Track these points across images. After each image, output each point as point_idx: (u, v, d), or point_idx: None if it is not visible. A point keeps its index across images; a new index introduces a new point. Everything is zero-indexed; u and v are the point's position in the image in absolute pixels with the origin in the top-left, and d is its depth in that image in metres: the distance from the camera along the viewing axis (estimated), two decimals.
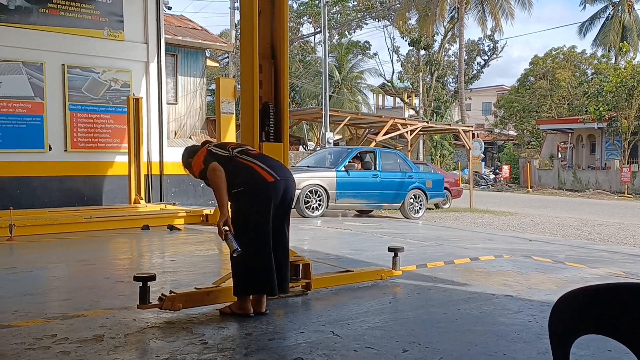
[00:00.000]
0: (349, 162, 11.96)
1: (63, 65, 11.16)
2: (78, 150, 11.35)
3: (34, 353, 3.04)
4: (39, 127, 10.89)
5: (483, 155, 35.15)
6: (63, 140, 11.20)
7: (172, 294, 3.77)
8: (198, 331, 3.48)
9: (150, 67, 12.24)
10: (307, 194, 11.15)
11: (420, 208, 12.70)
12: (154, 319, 3.74)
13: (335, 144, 29.32)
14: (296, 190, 10.04)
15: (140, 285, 3.67)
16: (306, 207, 11.11)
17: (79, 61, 11.34)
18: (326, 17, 22.09)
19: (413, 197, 12.60)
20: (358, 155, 12.44)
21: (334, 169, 11.83)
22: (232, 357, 3.04)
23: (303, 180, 11.00)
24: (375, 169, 12.30)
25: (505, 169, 31.63)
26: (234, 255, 3.58)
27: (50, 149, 11.01)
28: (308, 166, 12.83)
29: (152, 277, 3.71)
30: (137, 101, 11.32)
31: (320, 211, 11.26)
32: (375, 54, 43.04)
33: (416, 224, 11.46)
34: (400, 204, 12.44)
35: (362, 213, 13.20)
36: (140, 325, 3.62)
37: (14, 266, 5.81)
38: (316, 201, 11.26)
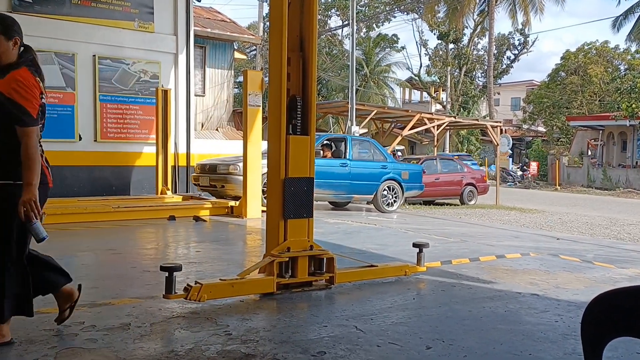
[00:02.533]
0: (315, 148, 11.27)
1: (94, 56, 11.34)
2: (107, 140, 11.54)
3: (61, 340, 3.10)
4: (70, 117, 11.10)
5: (511, 152, 34.65)
6: (93, 131, 11.40)
7: (198, 285, 3.80)
8: (222, 322, 3.51)
9: (179, 58, 12.36)
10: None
11: (395, 201, 11.88)
12: (179, 309, 3.78)
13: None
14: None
15: (167, 275, 3.72)
16: (265, 197, 10.19)
17: (109, 52, 11.51)
18: (354, 10, 21.96)
19: (387, 188, 11.78)
20: (328, 142, 11.55)
21: None
22: (255, 348, 3.05)
23: (262, 167, 9.70)
24: (345, 157, 11.39)
25: (533, 165, 31.18)
26: (37, 243, 3.10)
27: (80, 138, 11.21)
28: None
29: (178, 268, 3.75)
30: (165, 92, 11.44)
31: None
32: (403, 48, 42.63)
33: (439, 219, 11.35)
34: (373, 196, 11.63)
35: (336, 206, 12.38)
36: (165, 314, 3.67)
37: (44, 254, 5.92)
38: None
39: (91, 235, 7.44)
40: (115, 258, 5.97)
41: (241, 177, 9.63)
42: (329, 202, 12.31)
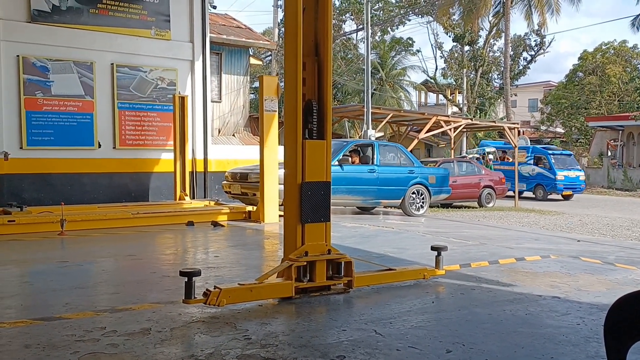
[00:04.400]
0: (344, 155, 11.15)
1: (112, 64, 11.48)
2: (126, 147, 11.66)
3: (83, 345, 3.13)
4: (89, 125, 11.24)
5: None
6: (112, 138, 11.54)
7: (217, 290, 3.82)
8: (242, 327, 3.52)
9: (195, 65, 12.47)
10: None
11: (422, 205, 12.02)
12: (198, 314, 3.81)
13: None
14: (282, 186, 9.91)
15: (186, 280, 3.74)
16: None
17: (127, 60, 11.65)
18: (369, 14, 21.97)
19: (414, 193, 11.93)
20: (356, 148, 11.70)
21: None
22: (275, 353, 3.06)
23: None
24: (373, 163, 11.56)
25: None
26: None
27: (99, 146, 11.35)
28: None
29: (197, 273, 3.77)
30: (182, 99, 11.55)
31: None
32: (418, 51, 42.49)
33: (457, 222, 11.28)
34: (400, 201, 11.76)
35: (363, 210, 12.54)
36: (185, 319, 3.69)
37: (65, 260, 6.02)
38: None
39: (111, 241, 7.51)
40: (135, 264, 6.03)
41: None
42: (357, 207, 12.46)
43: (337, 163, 10.94)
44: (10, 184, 10.45)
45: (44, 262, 5.99)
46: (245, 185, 10.36)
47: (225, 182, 11.06)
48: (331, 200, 12.16)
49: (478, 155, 22.01)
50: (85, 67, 11.21)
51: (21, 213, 8.46)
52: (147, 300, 4.16)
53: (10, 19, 10.47)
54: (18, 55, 10.54)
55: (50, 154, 10.84)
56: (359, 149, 11.76)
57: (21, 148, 10.59)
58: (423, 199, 12.05)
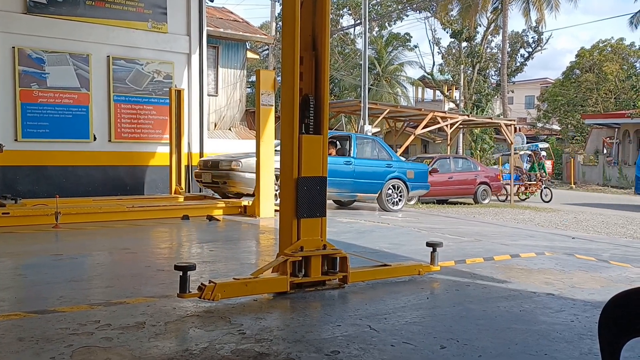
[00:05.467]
0: None
1: (108, 56, 11.43)
2: (121, 140, 11.62)
3: (77, 338, 3.12)
4: (85, 118, 11.19)
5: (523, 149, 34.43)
6: (107, 131, 11.49)
7: (211, 284, 3.82)
8: (236, 321, 3.52)
9: (192, 59, 12.43)
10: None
11: (399, 200, 11.72)
12: (193, 308, 3.80)
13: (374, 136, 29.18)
14: (254, 175, 9.65)
15: (181, 274, 3.73)
16: None
17: (123, 53, 11.60)
18: (367, 9, 21.91)
19: (391, 187, 11.61)
20: (333, 140, 11.28)
21: None
22: (269, 348, 3.06)
23: None
24: (350, 155, 11.24)
25: (548, 164, 30.93)
26: None
27: (95, 139, 11.31)
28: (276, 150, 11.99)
29: (192, 267, 3.77)
30: (179, 93, 11.51)
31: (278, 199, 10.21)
32: (415, 46, 42.52)
33: (452, 218, 11.30)
34: (377, 195, 11.45)
35: (341, 205, 12.25)
36: (180, 313, 3.68)
37: (60, 253, 6.00)
38: (280, 187, 10.16)
39: (106, 235, 7.49)
40: (129, 257, 6.01)
41: (243, 174, 9.74)
42: (334, 201, 12.14)
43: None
44: (5, 176, 10.41)
45: (38, 254, 5.97)
46: (216, 174, 10.28)
47: (196, 170, 10.99)
48: None
49: (530, 152, 21.54)
50: (81, 60, 11.15)
51: (15, 205, 8.43)
52: (142, 294, 4.15)
53: (6, 10, 10.40)
54: (14, 47, 10.48)
55: (45, 147, 10.79)
56: (336, 140, 11.52)
57: (16, 140, 10.54)
58: (400, 194, 11.78)
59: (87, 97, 11.23)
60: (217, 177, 10.27)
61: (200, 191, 11.89)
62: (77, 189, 10.86)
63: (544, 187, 18.93)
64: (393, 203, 11.65)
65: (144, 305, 3.85)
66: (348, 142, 11.47)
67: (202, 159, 11.21)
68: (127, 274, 5.14)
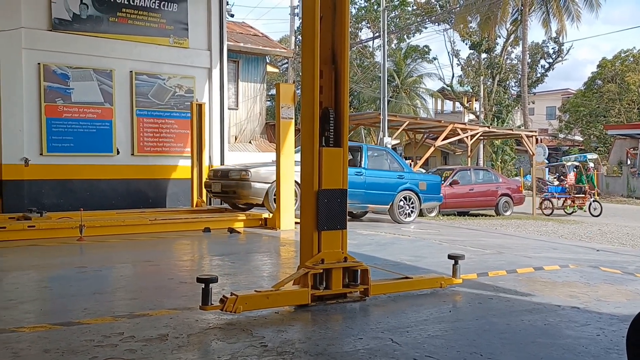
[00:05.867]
0: None
1: (131, 72, 11.62)
2: (144, 154, 11.77)
3: (102, 350, 3.16)
4: (108, 132, 11.37)
5: (547, 161, 34.07)
6: (130, 145, 11.66)
7: (233, 296, 3.83)
8: (258, 334, 3.53)
9: (213, 73, 12.58)
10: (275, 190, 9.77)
11: (412, 212, 11.57)
12: (215, 320, 3.82)
13: (393, 148, 29.15)
14: (264, 184, 9.74)
15: (203, 286, 3.76)
16: (276, 204, 9.70)
17: (145, 68, 11.78)
18: (385, 22, 21.99)
19: (403, 199, 11.46)
20: None
21: None
22: None
23: (272, 174, 9.68)
24: (360, 166, 11.10)
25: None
26: None
27: (118, 152, 11.47)
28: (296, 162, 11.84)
29: (214, 279, 3.79)
30: (200, 107, 11.66)
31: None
32: (434, 58, 42.41)
33: (474, 230, 11.20)
34: (389, 206, 11.33)
35: (353, 217, 11.96)
36: (202, 326, 3.71)
37: (84, 265, 6.08)
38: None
39: (129, 247, 7.57)
40: (152, 269, 6.07)
41: (253, 184, 9.71)
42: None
43: None
44: (31, 190, 10.60)
45: (63, 267, 6.05)
46: (226, 183, 10.19)
47: (206, 180, 10.96)
48: None
49: (577, 163, 20.71)
50: (104, 75, 11.35)
51: (41, 218, 8.57)
52: (165, 306, 4.18)
53: (32, 27, 10.65)
54: (39, 63, 10.71)
55: (69, 160, 10.97)
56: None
57: (41, 154, 10.74)
58: (412, 205, 11.62)
59: (110, 112, 11.42)
60: (226, 187, 10.18)
61: (221, 204, 11.97)
62: (101, 202, 11.01)
63: (593, 200, 18.23)
64: (405, 215, 11.50)
65: (167, 317, 3.88)
66: (359, 153, 11.39)
67: (212, 168, 11.19)
68: (150, 286, 5.19)
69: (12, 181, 10.44)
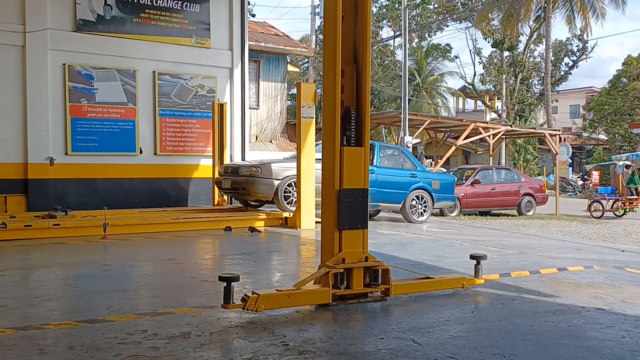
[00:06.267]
0: None
1: (154, 72, 11.74)
2: (166, 153, 11.89)
3: (126, 347, 3.20)
4: (131, 132, 11.51)
5: (570, 161, 33.59)
6: (152, 144, 11.78)
7: (255, 295, 3.85)
8: (279, 332, 3.54)
9: (234, 73, 12.65)
10: (285, 187, 9.80)
11: (424, 211, 11.37)
12: (237, 319, 3.85)
13: (414, 147, 29.01)
14: (274, 181, 9.67)
15: (225, 285, 3.79)
16: (286, 202, 9.83)
17: (168, 68, 11.89)
18: (407, 20, 21.88)
19: (416, 198, 11.30)
20: None
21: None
22: None
23: (283, 170, 9.75)
24: (372, 164, 10.88)
25: (595, 174, 30.05)
26: None
27: (141, 152, 11.60)
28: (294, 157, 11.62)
29: (236, 278, 3.82)
30: (221, 106, 11.73)
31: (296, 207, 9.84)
32: (456, 57, 42.14)
33: (496, 230, 11.09)
34: (401, 205, 11.16)
35: None
36: (224, 324, 3.73)
37: (108, 263, 6.17)
38: (294, 194, 9.83)
39: (151, 246, 7.66)
40: (174, 268, 6.13)
41: (263, 180, 9.66)
42: None
43: None
44: (56, 189, 10.77)
45: (88, 265, 6.15)
46: (236, 180, 10.09)
47: (217, 176, 10.90)
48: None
49: (629, 162, 19.51)
50: (128, 75, 11.48)
51: (66, 217, 8.71)
52: (187, 305, 4.22)
53: (57, 28, 10.82)
54: (64, 64, 10.88)
55: (93, 160, 11.13)
56: None
57: (66, 154, 10.91)
58: (425, 204, 11.42)
59: (133, 112, 11.55)
60: (236, 183, 10.09)
61: (230, 202, 12.03)
62: (124, 200, 11.14)
63: None
64: (417, 214, 11.34)
65: (189, 315, 3.91)
66: (371, 150, 11.21)
67: (222, 165, 11.09)
68: (172, 284, 5.24)
69: (37, 180, 10.62)
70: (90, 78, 11.12)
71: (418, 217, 11.31)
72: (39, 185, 10.64)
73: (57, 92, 10.84)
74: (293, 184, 9.74)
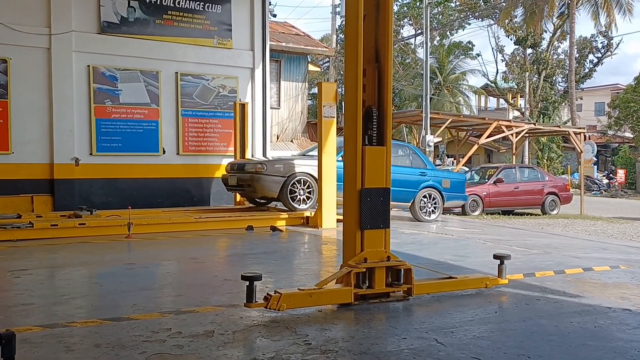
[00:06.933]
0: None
1: (176, 73, 11.85)
2: (189, 153, 12.00)
3: (150, 345, 3.24)
4: (155, 132, 11.64)
5: (595, 159, 33.06)
6: (175, 144, 11.90)
7: (277, 294, 3.86)
8: (301, 331, 3.55)
9: (255, 73, 12.71)
10: (294, 183, 9.66)
11: (434, 210, 11.12)
12: (259, 318, 3.87)
13: (435, 146, 28.80)
14: (280, 178, 9.50)
15: (247, 284, 3.81)
16: (291, 199, 9.69)
17: (190, 69, 12.00)
18: (428, 18, 21.75)
19: (425, 197, 11.05)
20: None
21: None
22: (334, 359, 3.07)
23: (289, 167, 9.67)
24: None
25: (621, 173, 29.54)
26: None
27: (164, 152, 11.72)
28: (304, 154, 11.30)
29: (258, 277, 3.83)
30: (243, 106, 11.80)
31: (308, 204, 9.82)
32: (478, 55, 41.75)
33: (519, 229, 10.96)
34: (410, 204, 10.94)
35: None
36: (247, 323, 3.76)
37: (132, 262, 6.25)
38: (304, 192, 9.78)
39: (175, 245, 7.73)
40: (197, 267, 6.19)
41: (268, 177, 9.54)
42: None
43: (340, 159, 10.39)
44: (81, 189, 10.94)
45: (113, 264, 6.23)
46: (241, 177, 9.98)
47: (224, 173, 10.83)
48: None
49: None
50: (151, 76, 11.61)
51: (91, 216, 8.84)
52: (210, 303, 4.26)
53: (82, 30, 10.98)
54: (89, 65, 11.04)
55: (118, 160, 11.28)
56: None
57: (91, 154, 11.07)
58: (435, 203, 11.18)
59: (157, 112, 11.68)
60: (242, 180, 9.97)
61: (235, 200, 12.05)
62: (147, 200, 11.27)
63: None
64: (427, 213, 11.09)
65: (212, 314, 3.94)
66: None
67: (230, 162, 10.95)
68: (195, 283, 5.29)
69: (63, 180, 10.80)
70: (114, 79, 11.27)
71: (427, 216, 11.09)
72: (64, 185, 10.82)
73: (82, 94, 11.00)
74: (301, 181, 9.71)
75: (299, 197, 9.75)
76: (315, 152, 11.23)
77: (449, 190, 11.49)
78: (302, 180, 9.71)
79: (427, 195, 11.12)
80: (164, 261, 6.50)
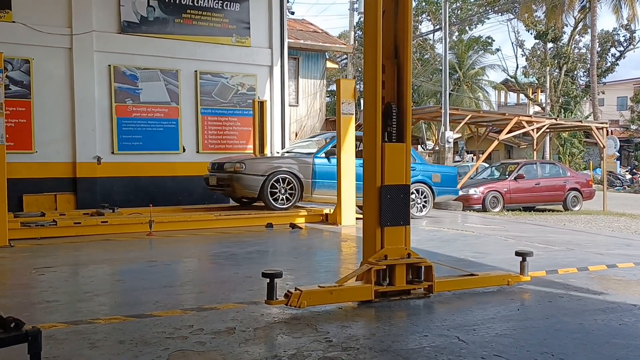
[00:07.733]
0: (332, 147, 9.88)
1: (196, 71, 11.92)
2: (208, 151, 12.07)
3: (173, 342, 3.27)
4: (175, 130, 11.73)
5: (618, 154, 32.53)
6: (195, 142, 11.98)
7: (298, 291, 3.88)
8: (322, 329, 3.56)
9: (273, 70, 12.73)
10: (272, 184, 9.53)
11: (424, 206, 10.80)
12: (280, 315, 3.88)
13: (455, 142, 28.61)
14: (259, 177, 9.36)
15: (268, 281, 3.82)
16: (272, 199, 9.57)
17: (209, 67, 12.06)
18: (447, 14, 21.57)
19: (415, 192, 10.65)
20: None
21: (312, 155, 9.99)
22: (356, 356, 3.07)
23: (269, 166, 9.60)
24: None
25: None
26: None
27: (184, 150, 11.81)
28: (287, 152, 11.17)
29: (279, 274, 3.85)
30: (261, 104, 11.84)
31: (290, 203, 9.70)
32: (497, 49, 41.32)
33: (540, 226, 10.84)
34: None
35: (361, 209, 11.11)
36: (268, 320, 3.77)
37: (154, 259, 6.31)
38: (286, 191, 9.66)
39: (195, 242, 7.80)
40: (218, 264, 6.23)
41: (247, 176, 9.42)
42: (358, 207, 10.21)
43: (324, 155, 9.98)
44: (103, 187, 11.07)
45: (135, 261, 6.30)
46: (221, 176, 9.83)
47: (205, 173, 10.62)
48: (315, 196, 10.12)
49: None
50: (171, 75, 11.70)
51: (113, 214, 8.95)
52: (231, 300, 4.28)
53: (103, 30, 11.10)
54: (110, 65, 11.16)
55: (139, 158, 11.39)
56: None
57: (112, 153, 11.19)
58: (425, 199, 10.86)
59: (176, 111, 11.76)
60: (221, 180, 9.83)
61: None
62: (168, 198, 11.37)
63: None
64: (417, 209, 10.71)
65: (233, 311, 3.97)
66: (361, 142, 10.86)
67: (211, 161, 10.70)
68: (216, 280, 5.33)
69: (85, 178, 10.93)
70: (135, 78, 11.37)
71: (418, 212, 10.70)
72: (87, 183, 10.96)
73: (103, 93, 11.12)
74: (280, 180, 9.59)
75: (280, 196, 9.63)
76: (301, 148, 11.15)
77: (440, 185, 11.13)
78: (283, 179, 9.60)
79: (417, 191, 10.77)
80: (185, 258, 6.56)
